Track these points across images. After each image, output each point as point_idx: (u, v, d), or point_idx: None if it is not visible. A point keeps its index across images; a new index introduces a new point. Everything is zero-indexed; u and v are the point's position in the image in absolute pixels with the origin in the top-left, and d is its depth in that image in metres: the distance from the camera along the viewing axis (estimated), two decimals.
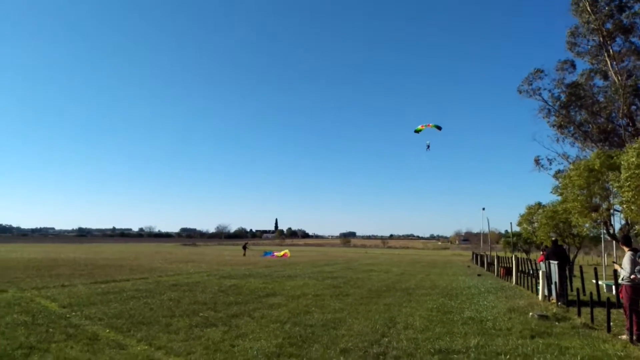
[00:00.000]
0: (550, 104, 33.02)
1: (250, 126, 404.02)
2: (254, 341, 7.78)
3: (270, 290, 15.66)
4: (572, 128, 33.04)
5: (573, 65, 32.45)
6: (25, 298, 12.35)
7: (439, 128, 21.63)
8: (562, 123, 32.96)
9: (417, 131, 22.36)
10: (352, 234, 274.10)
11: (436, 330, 9.07)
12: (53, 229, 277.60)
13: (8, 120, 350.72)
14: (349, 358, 6.69)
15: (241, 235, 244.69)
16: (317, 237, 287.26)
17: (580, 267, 14.84)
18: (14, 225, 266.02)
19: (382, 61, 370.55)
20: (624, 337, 8.37)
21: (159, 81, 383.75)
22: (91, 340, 7.55)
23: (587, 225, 21.12)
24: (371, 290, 16.43)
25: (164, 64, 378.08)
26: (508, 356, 6.89)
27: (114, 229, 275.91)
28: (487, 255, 37.96)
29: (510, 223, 40.18)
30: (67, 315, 9.87)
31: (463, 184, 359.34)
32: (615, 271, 11.88)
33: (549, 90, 32.94)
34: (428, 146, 22.80)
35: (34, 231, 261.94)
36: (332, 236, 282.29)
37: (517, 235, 50.83)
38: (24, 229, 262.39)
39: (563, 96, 32.47)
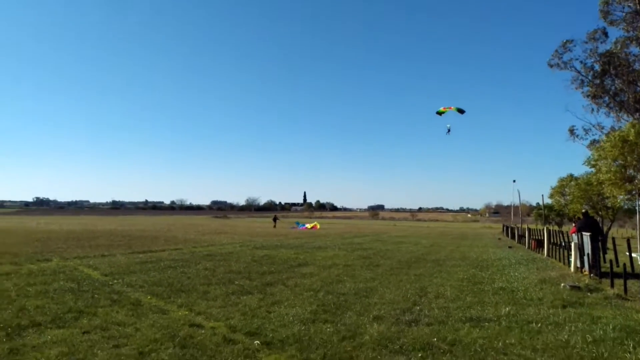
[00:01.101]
0: (583, 74, 32.10)
1: (280, 100, 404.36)
2: (289, 308, 8.05)
3: (302, 261, 15.97)
4: (606, 98, 32.08)
5: (605, 34, 31.27)
6: (69, 267, 12.91)
7: (462, 111, 20.59)
8: (596, 93, 32.03)
9: (438, 113, 21.54)
10: (380, 207, 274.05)
11: (467, 299, 9.19)
12: (88, 201, 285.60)
13: (46, 98, 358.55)
14: (382, 325, 6.87)
15: (270, 208, 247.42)
16: (345, 209, 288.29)
17: (613, 239, 14.61)
18: (51, 198, 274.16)
19: (417, 28, 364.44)
20: None
21: (195, 56, 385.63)
22: (134, 306, 7.93)
23: (621, 197, 20.78)
24: (401, 262, 16.59)
25: (200, 38, 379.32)
26: (539, 324, 6.99)
27: (146, 201, 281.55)
28: (517, 228, 37.62)
29: (542, 195, 39.56)
30: (110, 283, 10.32)
31: (494, 155, 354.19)
32: None
33: (581, 61, 31.95)
34: (449, 130, 21.98)
35: (69, 204, 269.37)
36: (360, 209, 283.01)
37: (548, 207, 50.17)
38: (60, 201, 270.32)
39: (597, 66, 31.48)
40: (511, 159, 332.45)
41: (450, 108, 20.45)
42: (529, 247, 26.63)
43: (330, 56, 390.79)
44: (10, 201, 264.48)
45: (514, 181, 77.58)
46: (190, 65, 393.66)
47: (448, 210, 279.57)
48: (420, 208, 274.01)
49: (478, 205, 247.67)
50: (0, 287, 9.43)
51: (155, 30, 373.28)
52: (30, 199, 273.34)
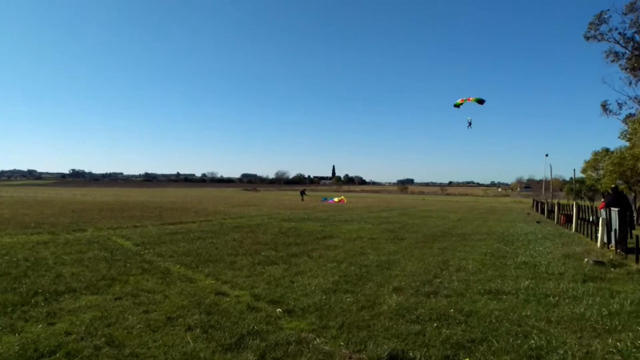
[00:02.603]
0: (622, 44, 30.98)
1: (311, 74, 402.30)
2: (312, 278, 8.29)
3: (328, 233, 16.20)
4: None
5: None
6: (102, 237, 13.42)
7: (481, 102, 19.20)
8: (635, 65, 30.94)
9: (456, 105, 20.21)
10: (409, 181, 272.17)
11: (488, 273, 9.27)
12: (122, 174, 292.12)
13: (79, 76, 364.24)
14: (401, 296, 7.04)
15: (299, 181, 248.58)
16: (374, 183, 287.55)
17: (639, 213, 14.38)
18: (86, 170, 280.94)
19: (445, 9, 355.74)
20: None
21: (226, 32, 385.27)
22: (164, 274, 8.29)
23: None
24: (426, 235, 16.66)
25: (232, 14, 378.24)
26: (557, 298, 7.05)
27: (178, 174, 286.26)
28: (547, 203, 37.08)
29: (574, 170, 38.87)
30: (141, 252, 10.74)
31: (527, 129, 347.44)
32: None
33: (620, 32, 30.80)
34: (470, 123, 20.56)
35: (104, 176, 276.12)
36: (389, 183, 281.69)
37: (580, 182, 49.21)
38: (95, 173, 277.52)
39: (638, 37, 30.33)
40: (544, 132, 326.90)
41: (468, 99, 19.30)
42: (557, 222, 26.30)
43: (361, 27, 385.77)
44: (47, 173, 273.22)
45: (547, 155, 75.92)
46: (221, 41, 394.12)
47: (479, 185, 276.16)
48: (450, 182, 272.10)
49: (509, 179, 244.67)
50: (38, 255, 9.93)
51: (190, 8, 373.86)
52: (66, 171, 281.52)
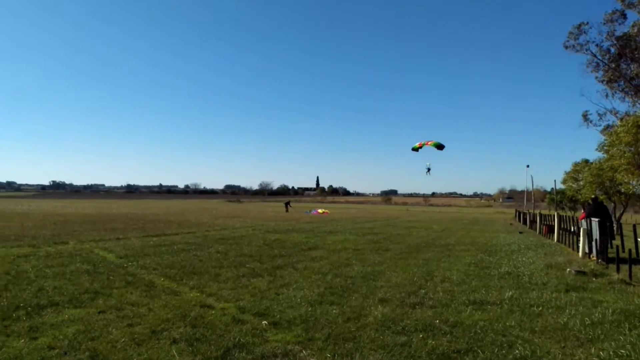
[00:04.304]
0: (599, 57, 31.60)
1: (294, 85, 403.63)
2: (297, 290, 8.28)
3: (312, 245, 16.18)
4: (622, 82, 31.59)
5: (623, 16, 30.56)
6: (85, 249, 13.26)
7: (441, 147, 18.65)
8: (611, 77, 31.55)
9: (414, 149, 19.64)
10: (393, 192, 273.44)
11: (472, 283, 9.34)
12: (103, 185, 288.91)
13: (60, 83, 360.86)
14: (387, 307, 7.06)
15: (283, 192, 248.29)
16: (358, 194, 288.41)
17: (620, 224, 14.61)
18: (67, 182, 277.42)
19: (427, 13, 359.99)
20: None
21: (207, 41, 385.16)
22: (148, 287, 8.21)
23: (633, 182, 20.65)
24: (410, 246, 16.74)
25: (212, 20, 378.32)
26: (541, 308, 7.13)
27: (160, 185, 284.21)
28: (529, 213, 37.48)
29: (555, 181, 39.41)
30: (125, 265, 10.63)
31: (508, 140, 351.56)
32: None
33: (597, 44, 31.43)
34: (428, 169, 20.15)
35: (85, 187, 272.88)
36: (373, 194, 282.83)
37: (561, 193, 49.86)
38: (76, 185, 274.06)
39: (613, 49, 30.96)
40: (526, 144, 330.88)
41: (427, 143, 18.97)
42: (539, 233, 26.58)
43: (345, 36, 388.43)
44: (27, 185, 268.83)
45: (528, 166, 76.96)
46: (205, 52, 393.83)
47: (461, 196, 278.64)
48: (433, 193, 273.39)
49: (492, 190, 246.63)
50: (19, 268, 9.78)
51: (169, 14, 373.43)
52: (47, 183, 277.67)
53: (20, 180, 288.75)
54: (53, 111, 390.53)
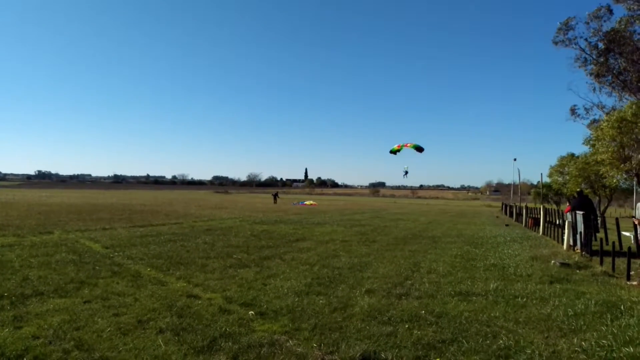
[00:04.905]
0: (587, 52, 31.83)
1: (283, 76, 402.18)
2: (284, 280, 8.30)
3: (300, 236, 16.21)
4: (610, 77, 31.84)
5: (610, 11, 30.75)
6: (70, 239, 13.16)
7: (420, 150, 18.46)
8: (599, 72, 31.78)
9: (392, 152, 19.39)
10: (381, 184, 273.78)
11: (458, 275, 9.42)
12: (90, 175, 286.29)
13: (47, 72, 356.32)
14: (373, 298, 7.11)
15: (272, 183, 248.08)
16: (346, 186, 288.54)
17: (604, 217, 14.77)
18: (53, 172, 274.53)
19: (414, 11, 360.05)
20: (635, 283, 8.60)
21: (196, 31, 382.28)
22: (134, 277, 8.19)
23: (617, 177, 20.89)
24: (397, 238, 16.82)
25: (200, 11, 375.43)
26: (525, 299, 7.21)
27: (148, 176, 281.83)
28: (515, 206, 37.79)
29: (541, 174, 39.75)
30: (111, 255, 10.58)
31: (496, 133, 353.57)
32: (635, 224, 12.00)
33: (586, 39, 31.63)
34: (406, 172, 20.16)
35: (71, 177, 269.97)
36: (361, 186, 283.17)
37: (547, 186, 50.32)
38: (62, 175, 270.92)
39: (601, 44, 31.17)
40: (513, 137, 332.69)
41: (406, 145, 18.75)
42: (525, 226, 26.82)
43: (333, 28, 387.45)
44: (12, 174, 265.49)
45: (515, 159, 77.34)
46: (192, 39, 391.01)
47: (449, 188, 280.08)
48: (421, 186, 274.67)
49: (479, 183, 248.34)
50: (4, 258, 9.70)
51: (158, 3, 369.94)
52: (32, 172, 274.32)
53: (5, 169, 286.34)
54: (39, 100, 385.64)
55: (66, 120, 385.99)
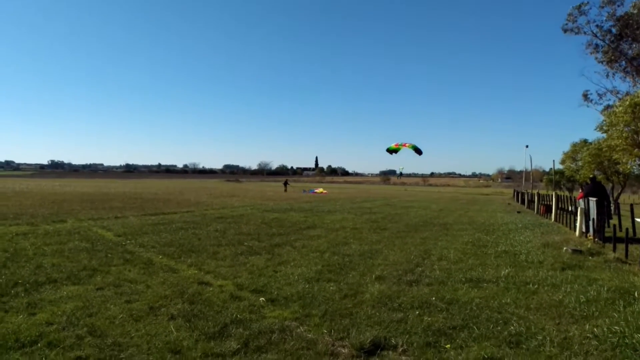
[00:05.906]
0: (600, 37, 31.32)
1: (294, 65, 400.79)
2: (295, 267, 8.33)
3: (311, 224, 16.23)
4: (623, 62, 31.37)
5: None
6: (83, 227, 13.27)
7: (418, 151, 18.09)
8: (612, 57, 31.30)
9: (389, 150, 19.03)
10: (392, 172, 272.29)
11: (469, 262, 9.39)
12: (102, 164, 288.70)
13: (60, 63, 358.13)
14: (383, 284, 7.11)
15: (282, 172, 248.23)
16: (356, 174, 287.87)
17: (618, 204, 14.62)
18: (66, 161, 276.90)
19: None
20: None
21: (206, 20, 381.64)
22: (146, 265, 8.25)
23: (631, 162, 20.64)
24: (408, 225, 16.79)
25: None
26: (536, 286, 7.18)
27: (159, 165, 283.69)
28: (527, 193, 37.52)
29: (553, 161, 39.38)
30: (123, 243, 10.66)
31: (508, 120, 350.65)
32: None
33: (597, 25, 31.11)
34: (400, 174, 19.97)
35: (84, 167, 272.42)
36: (371, 174, 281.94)
37: (559, 173, 49.85)
38: (74, 164, 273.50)
39: (614, 29, 30.66)
40: (525, 123, 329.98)
41: (404, 145, 18.41)
42: (537, 212, 26.65)
43: (344, 20, 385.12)
44: (25, 164, 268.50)
45: (527, 146, 76.63)
46: (204, 29, 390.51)
47: (460, 176, 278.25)
48: (432, 173, 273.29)
49: (491, 170, 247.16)
50: (18, 246, 9.80)
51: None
52: (45, 162, 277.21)
53: (18, 159, 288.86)
54: (52, 90, 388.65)
55: (79, 111, 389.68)
